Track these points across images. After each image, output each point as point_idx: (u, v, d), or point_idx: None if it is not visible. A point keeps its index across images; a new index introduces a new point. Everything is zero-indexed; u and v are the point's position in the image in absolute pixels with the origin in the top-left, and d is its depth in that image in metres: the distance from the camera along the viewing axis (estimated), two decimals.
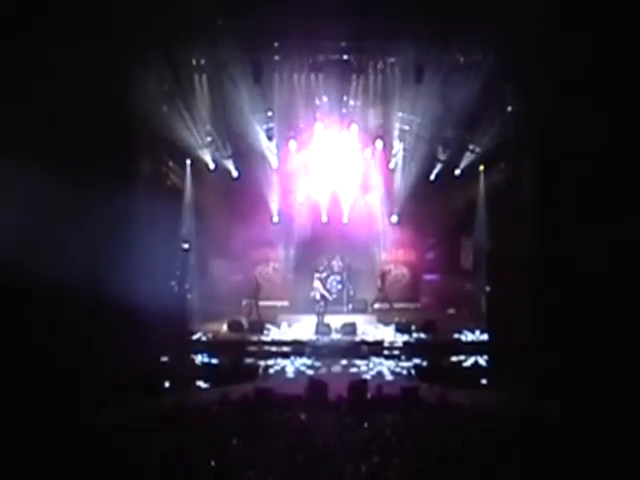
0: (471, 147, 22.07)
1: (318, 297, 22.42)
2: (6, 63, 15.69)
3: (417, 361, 19.45)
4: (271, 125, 22.89)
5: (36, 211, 15.62)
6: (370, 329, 22.10)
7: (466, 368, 18.96)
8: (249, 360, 19.64)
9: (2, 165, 14.71)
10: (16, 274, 14.83)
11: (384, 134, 22.94)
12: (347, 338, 21.13)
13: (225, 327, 22.14)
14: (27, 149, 15.39)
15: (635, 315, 16.60)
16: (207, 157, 22.57)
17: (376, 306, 24.23)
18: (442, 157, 22.73)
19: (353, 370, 18.93)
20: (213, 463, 11.72)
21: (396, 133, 23.23)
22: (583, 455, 11.58)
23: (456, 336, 21.31)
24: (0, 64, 15.52)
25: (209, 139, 22.33)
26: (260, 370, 19.02)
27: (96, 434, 12.87)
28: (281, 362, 19.76)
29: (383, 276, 24.27)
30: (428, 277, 25.31)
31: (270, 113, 22.62)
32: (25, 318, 15.83)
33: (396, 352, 20.28)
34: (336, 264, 24.56)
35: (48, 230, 15.80)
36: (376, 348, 20.42)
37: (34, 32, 16.02)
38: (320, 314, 22.16)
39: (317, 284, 22.59)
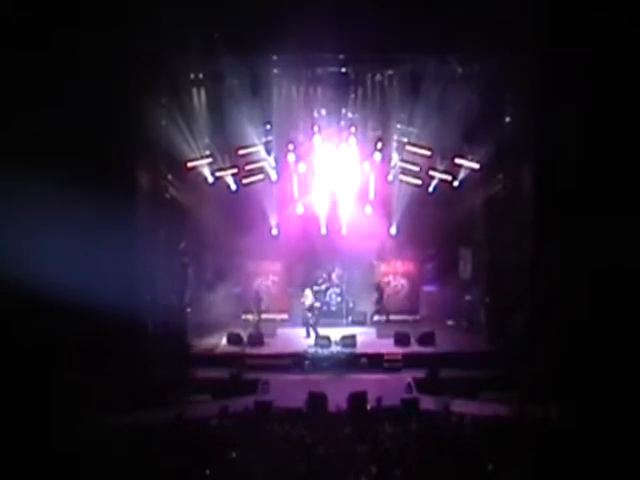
0: (469, 157, 22.09)
1: (307, 305, 22.60)
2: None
3: (416, 373, 19.42)
4: (270, 138, 22.84)
5: (35, 225, 15.67)
6: (369, 341, 22.07)
7: (466, 379, 18.89)
8: (249, 373, 19.59)
9: (2, 179, 14.78)
10: (15, 286, 14.87)
11: (382, 146, 22.93)
12: (347, 350, 21.10)
13: (224, 340, 22.10)
14: (26, 161, 15.46)
15: (633, 324, 16.63)
16: (206, 170, 22.55)
17: (375, 318, 24.21)
18: (440, 168, 22.73)
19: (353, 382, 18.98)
20: (213, 475, 11.71)
21: (394, 145, 23.26)
22: (584, 460, 11.57)
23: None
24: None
25: (208, 152, 22.31)
26: (260, 383, 18.98)
27: (96, 445, 12.86)
28: (281, 375, 19.77)
29: (379, 288, 24.25)
30: (427, 288, 25.26)
31: (268, 126, 22.60)
32: (25, 329, 15.87)
33: (395, 364, 20.28)
34: (335, 276, 24.53)
35: (47, 244, 15.83)
36: (375, 360, 20.42)
37: (36, 49, 16.19)
38: (310, 325, 22.37)
39: (308, 292, 22.86)
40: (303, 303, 22.81)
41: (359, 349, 21.23)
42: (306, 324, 22.56)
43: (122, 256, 17.48)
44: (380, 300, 24.16)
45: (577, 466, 11.43)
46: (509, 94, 21.02)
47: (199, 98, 21.60)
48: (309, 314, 22.61)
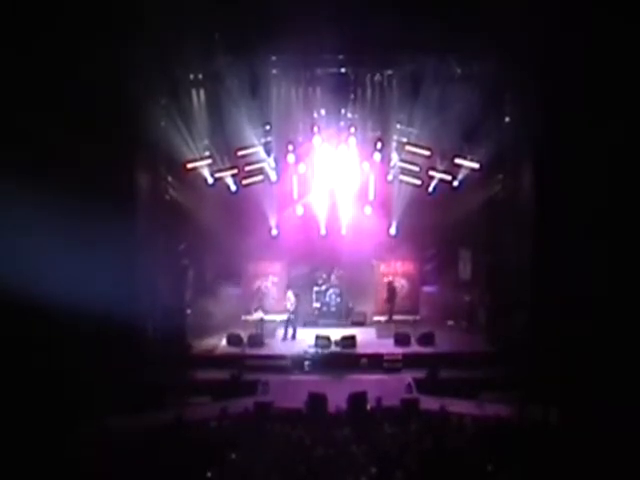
0: (469, 157, 22.07)
1: (289, 306, 22.73)
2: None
3: (416, 373, 19.41)
4: (269, 139, 22.83)
5: (34, 227, 15.65)
6: (369, 342, 22.06)
7: (465, 379, 18.89)
8: (248, 374, 19.57)
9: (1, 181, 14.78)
10: (14, 290, 14.85)
11: (382, 146, 22.92)
12: (346, 351, 21.07)
13: (224, 341, 22.07)
14: (25, 163, 15.46)
15: (633, 323, 16.63)
16: (205, 171, 22.51)
17: (374, 319, 24.18)
18: (440, 168, 22.71)
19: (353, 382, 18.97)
20: (213, 477, 11.71)
21: (394, 145, 23.25)
22: (583, 461, 11.57)
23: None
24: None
25: (207, 153, 22.29)
26: (260, 384, 18.96)
27: (97, 447, 12.88)
28: (280, 375, 19.75)
29: (390, 288, 24.14)
30: (427, 289, 25.27)
31: (268, 127, 22.58)
32: (27, 336, 15.86)
33: (395, 364, 20.27)
34: (335, 277, 24.50)
35: (46, 246, 15.82)
36: (375, 361, 20.40)
37: (36, 50, 16.18)
38: (293, 329, 22.53)
39: (289, 294, 22.99)
40: (285, 306, 22.90)
41: (359, 349, 21.20)
42: (286, 326, 22.66)
43: (122, 258, 17.46)
44: (392, 299, 24.07)
45: (576, 467, 11.44)
46: (509, 94, 21.03)
47: (198, 99, 21.59)
48: (291, 316, 22.69)
